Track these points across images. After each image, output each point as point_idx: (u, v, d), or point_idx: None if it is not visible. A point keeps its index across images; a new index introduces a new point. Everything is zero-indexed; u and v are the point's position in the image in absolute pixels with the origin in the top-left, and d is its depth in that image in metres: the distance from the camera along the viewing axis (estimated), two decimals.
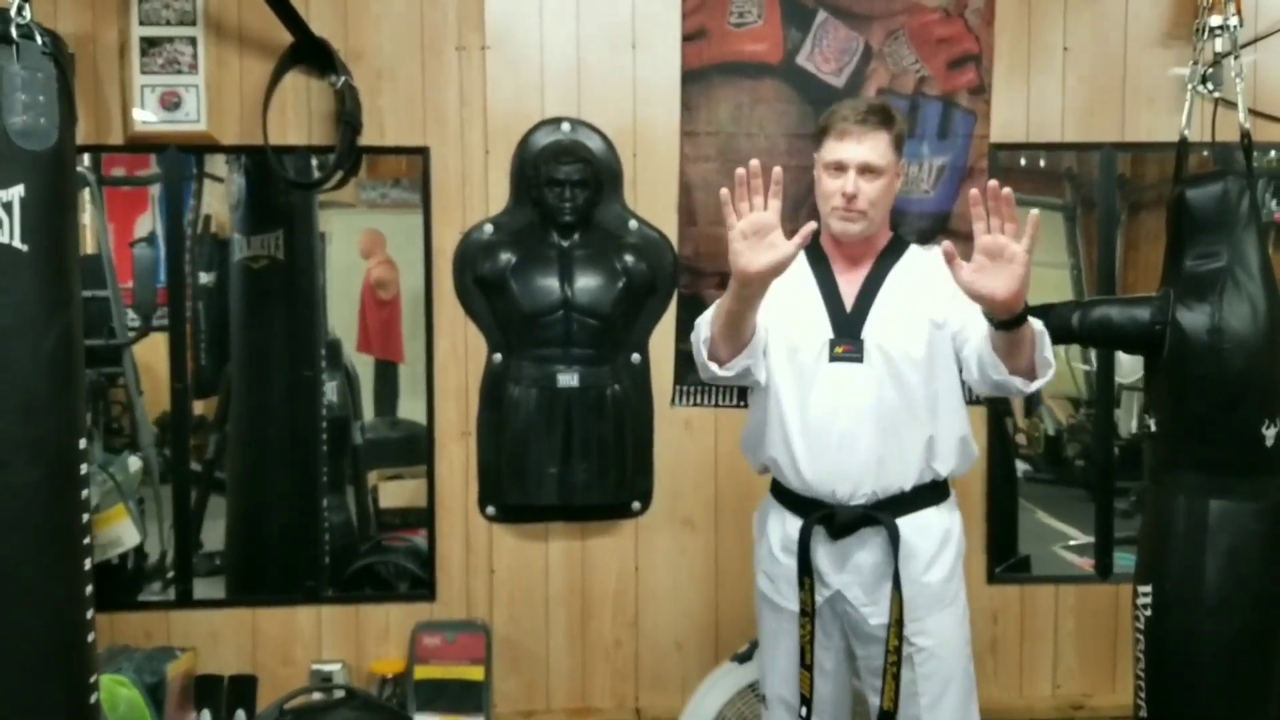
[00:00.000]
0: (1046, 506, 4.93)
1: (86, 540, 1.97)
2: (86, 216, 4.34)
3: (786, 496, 2.25)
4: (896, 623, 2.12)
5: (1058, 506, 4.84)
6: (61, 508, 1.90)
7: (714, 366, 2.10)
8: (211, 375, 3.94)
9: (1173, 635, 2.41)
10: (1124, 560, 3.14)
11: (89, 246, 4.45)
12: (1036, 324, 1.96)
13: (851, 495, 2.14)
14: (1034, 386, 2.00)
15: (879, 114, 2.14)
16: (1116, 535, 3.20)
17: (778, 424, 2.19)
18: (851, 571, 2.18)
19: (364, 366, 5.03)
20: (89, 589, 1.97)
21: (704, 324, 2.12)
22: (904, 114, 2.96)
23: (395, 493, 4.10)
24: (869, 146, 2.11)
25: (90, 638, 1.98)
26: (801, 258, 2.13)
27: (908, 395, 2.13)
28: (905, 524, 2.15)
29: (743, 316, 2.01)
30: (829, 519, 2.16)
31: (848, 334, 2.15)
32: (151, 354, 3.69)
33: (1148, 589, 2.44)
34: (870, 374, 2.13)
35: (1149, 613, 2.44)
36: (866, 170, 2.11)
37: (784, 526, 2.23)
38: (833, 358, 2.14)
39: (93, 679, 1.99)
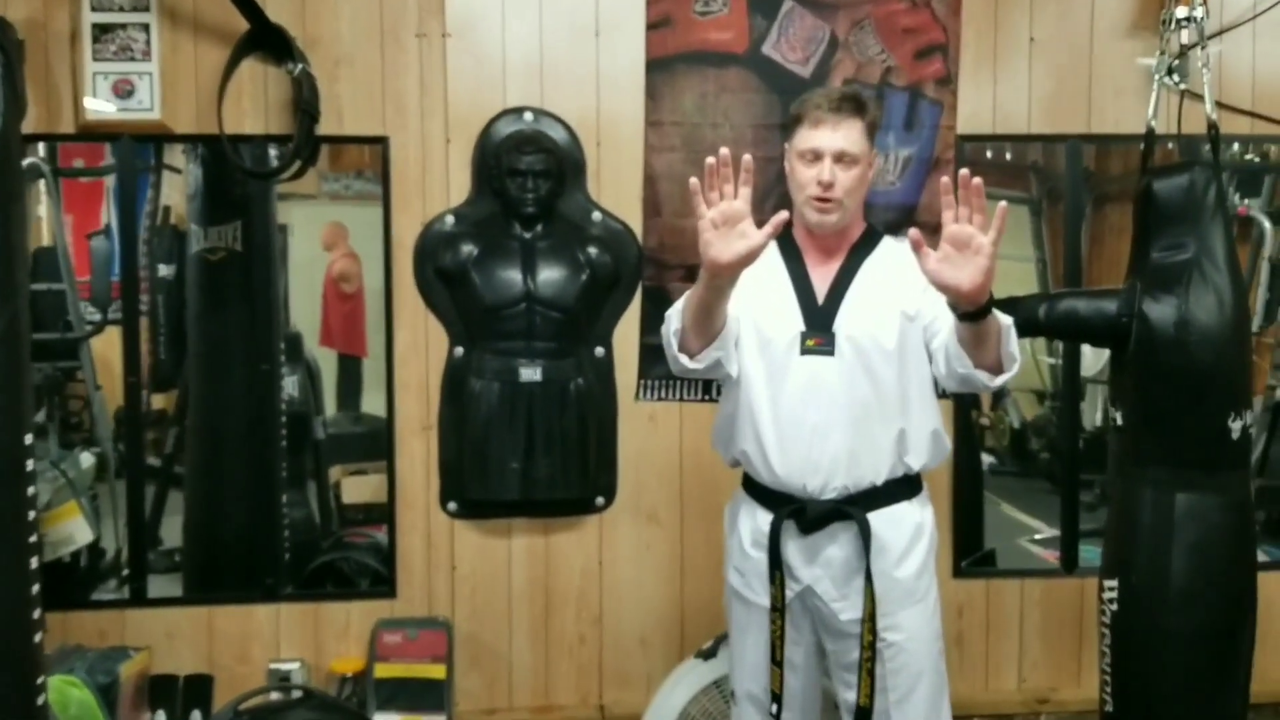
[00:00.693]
0: (1011, 500, 4.94)
1: (33, 539, 1.91)
2: (43, 208, 4.27)
3: (757, 490, 2.22)
4: (870, 618, 2.10)
5: (1023, 499, 4.85)
6: (6, 506, 1.84)
7: (684, 359, 2.07)
8: (171, 369, 3.86)
9: (1138, 629, 2.39)
10: (1089, 553, 3.14)
11: (45, 239, 4.37)
12: (1004, 318, 1.95)
13: (822, 489, 2.12)
14: (999, 382, 2.00)
15: (853, 101, 2.12)
16: (1081, 528, 3.20)
17: (748, 417, 2.16)
18: (822, 565, 2.16)
19: (327, 361, 4.96)
20: (35, 588, 1.91)
21: (674, 316, 2.10)
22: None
23: (358, 488, 4.04)
24: (844, 134, 2.08)
25: (37, 638, 1.92)
26: (773, 249, 2.11)
27: (879, 388, 2.11)
28: (876, 518, 2.13)
29: (713, 307, 1.99)
30: (799, 513, 2.13)
31: (819, 326, 2.12)
32: (109, 348, 3.62)
33: (1113, 583, 2.43)
34: (842, 367, 2.10)
35: (1115, 607, 2.42)
36: (842, 158, 2.08)
37: (755, 521, 2.21)
38: (804, 350, 2.11)
39: (40, 680, 1.94)
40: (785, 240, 2.18)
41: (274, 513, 3.16)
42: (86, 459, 3.08)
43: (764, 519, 2.18)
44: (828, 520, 2.13)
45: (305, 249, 5.49)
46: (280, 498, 3.30)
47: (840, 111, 2.08)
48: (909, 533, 2.17)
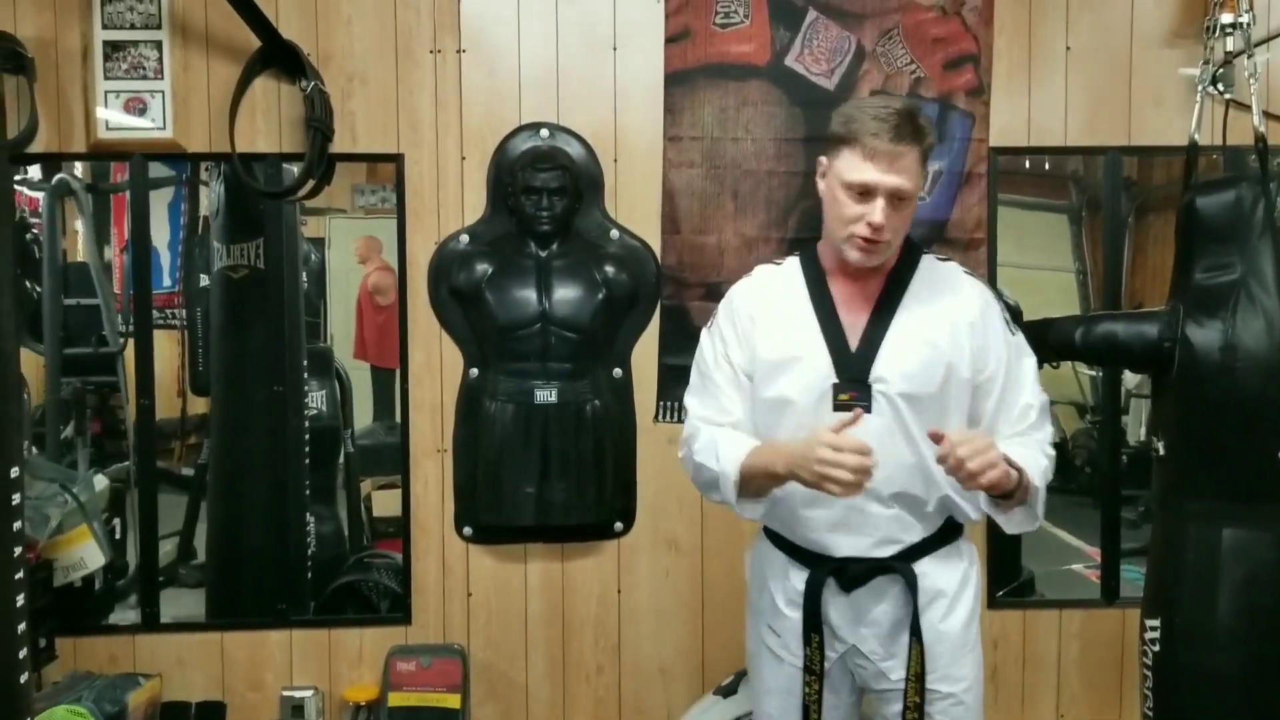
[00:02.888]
0: (1052, 516, 4.80)
1: (19, 575, 1.86)
2: (79, 224, 4.29)
3: (787, 546, 2.01)
4: (916, 677, 1.92)
5: (1063, 515, 4.72)
6: None
7: (746, 510, 1.95)
8: (209, 377, 3.85)
9: (1183, 672, 2.26)
10: (1131, 574, 3.02)
11: (81, 254, 4.39)
12: (1035, 480, 1.86)
13: (863, 550, 1.93)
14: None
15: (911, 127, 1.83)
16: (1126, 546, 3.07)
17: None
18: (869, 625, 1.97)
19: (361, 373, 4.95)
20: (21, 627, 1.86)
21: (715, 458, 1.90)
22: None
23: (389, 501, 4.00)
24: (901, 169, 1.82)
25: (23, 678, 1.87)
26: (795, 273, 1.97)
27: (917, 448, 1.89)
28: (922, 568, 1.95)
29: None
30: (839, 570, 1.93)
31: (853, 378, 1.88)
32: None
33: (1155, 622, 2.30)
34: (880, 427, 1.86)
35: (1157, 648, 2.30)
36: (896, 197, 1.84)
37: (788, 578, 1.99)
38: (836, 406, 1.87)
39: None
40: (810, 265, 1.98)
41: (294, 533, 3.10)
42: (100, 481, 3.03)
43: (798, 576, 1.97)
44: (870, 576, 1.94)
45: (341, 262, 5.50)
46: (303, 518, 3.26)
47: (899, 141, 1.81)
48: (957, 580, 1.99)
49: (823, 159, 1.94)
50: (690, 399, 2.03)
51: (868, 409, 1.85)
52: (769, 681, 2.06)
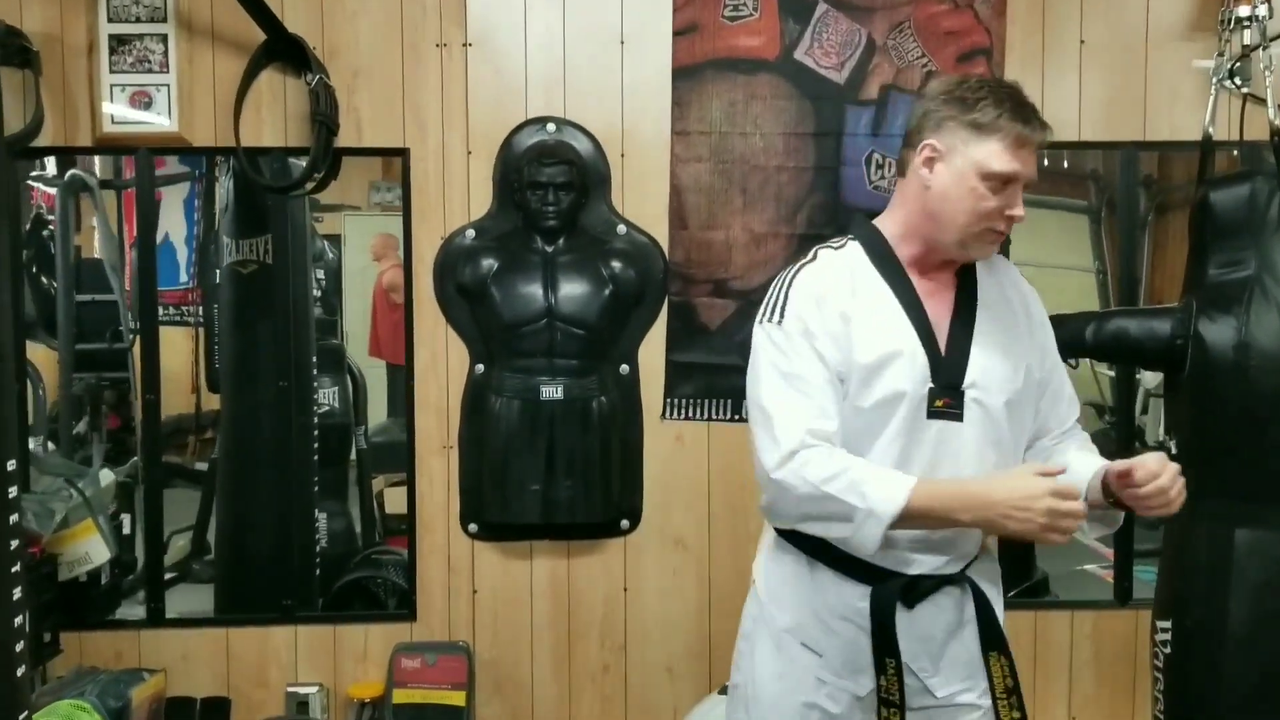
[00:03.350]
0: None
1: (15, 569, 1.84)
2: (95, 220, 4.31)
3: (839, 560, 1.80)
4: (1009, 692, 1.81)
5: None
6: None
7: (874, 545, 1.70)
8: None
9: (1194, 675, 2.22)
10: (1145, 574, 2.96)
11: (96, 251, 4.42)
12: None
13: (937, 567, 1.80)
14: None
15: (1038, 112, 1.76)
16: (1140, 547, 3.02)
17: None
18: (921, 640, 1.80)
19: (376, 370, 4.95)
20: (19, 620, 1.85)
21: (853, 491, 1.66)
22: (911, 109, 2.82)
23: (401, 498, 4.02)
24: (1034, 158, 1.75)
25: (20, 671, 1.86)
26: (863, 260, 1.81)
27: (1004, 457, 1.80)
28: (975, 573, 1.86)
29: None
30: (909, 586, 1.78)
31: (947, 383, 1.76)
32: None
33: (1167, 624, 2.26)
34: (970, 434, 1.77)
35: (1168, 650, 2.26)
36: (1024, 187, 1.77)
37: (838, 594, 1.81)
38: (931, 412, 1.75)
39: (22, 716, 1.87)
40: (879, 253, 1.82)
41: (302, 530, 3.08)
42: (106, 476, 3.03)
43: (852, 592, 1.80)
44: (935, 590, 1.81)
45: (356, 259, 5.51)
46: (311, 514, 3.25)
47: (1044, 128, 1.74)
48: (997, 580, 1.92)
49: (935, 144, 1.75)
50: (778, 405, 1.74)
51: (959, 417, 1.76)
52: (786, 706, 1.86)
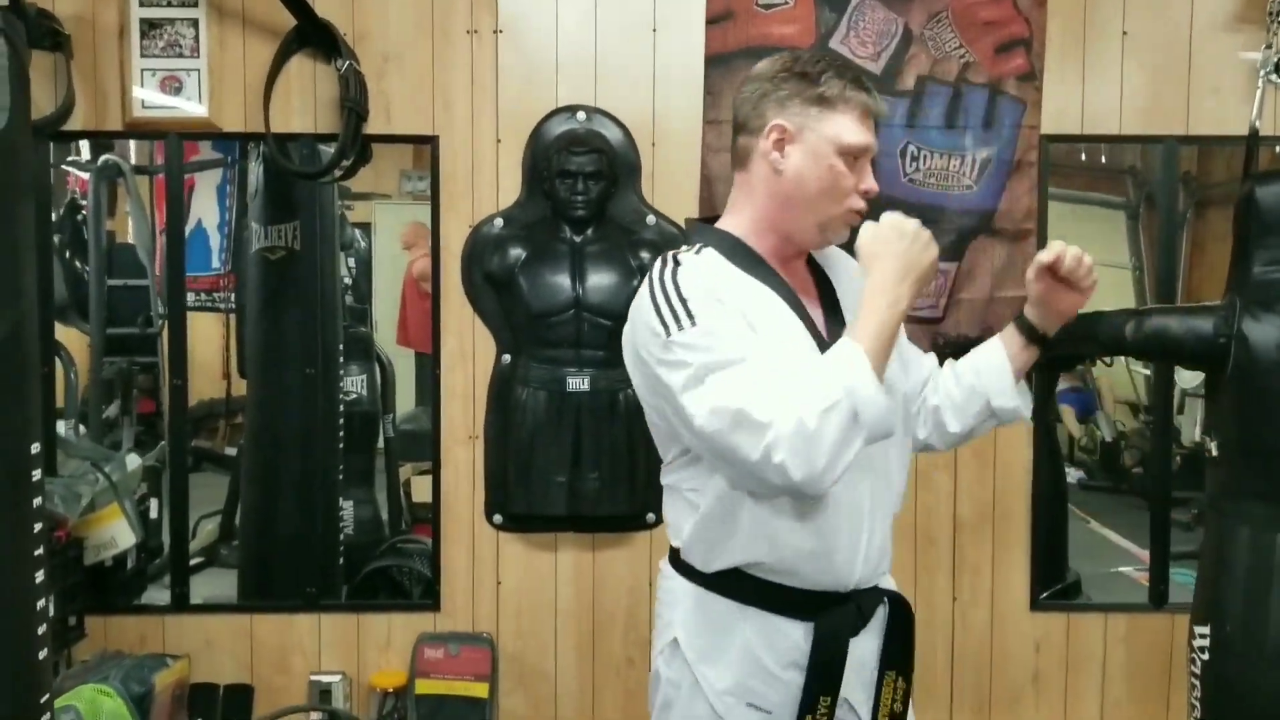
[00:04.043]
0: (1101, 517, 4.70)
1: (38, 552, 1.84)
2: (128, 204, 4.32)
3: (764, 594, 1.64)
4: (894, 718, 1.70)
5: (1113, 517, 4.61)
6: (9, 517, 1.78)
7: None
8: None
9: (1233, 682, 2.16)
10: (1182, 577, 2.91)
11: (129, 236, 4.43)
12: None
13: (868, 577, 1.67)
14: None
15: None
16: (1177, 549, 2.97)
17: (766, 508, 1.60)
18: (854, 669, 1.66)
19: (405, 358, 4.94)
20: (41, 603, 1.85)
21: (821, 398, 1.45)
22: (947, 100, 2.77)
23: (428, 487, 4.02)
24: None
25: (42, 654, 1.86)
26: (724, 264, 1.64)
27: (898, 440, 1.69)
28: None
29: None
30: (853, 611, 1.66)
31: None
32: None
33: (1205, 630, 2.20)
34: None
35: (1206, 656, 2.20)
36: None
37: (778, 632, 1.64)
38: None
39: (44, 699, 1.87)
40: (738, 254, 1.65)
41: (326, 517, 3.08)
42: (133, 460, 3.04)
43: (797, 633, 1.63)
44: (874, 608, 1.70)
45: (387, 248, 5.50)
46: (335, 502, 3.24)
47: (880, 101, 1.66)
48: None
49: (784, 124, 1.61)
50: (740, 394, 1.47)
51: None
52: None
